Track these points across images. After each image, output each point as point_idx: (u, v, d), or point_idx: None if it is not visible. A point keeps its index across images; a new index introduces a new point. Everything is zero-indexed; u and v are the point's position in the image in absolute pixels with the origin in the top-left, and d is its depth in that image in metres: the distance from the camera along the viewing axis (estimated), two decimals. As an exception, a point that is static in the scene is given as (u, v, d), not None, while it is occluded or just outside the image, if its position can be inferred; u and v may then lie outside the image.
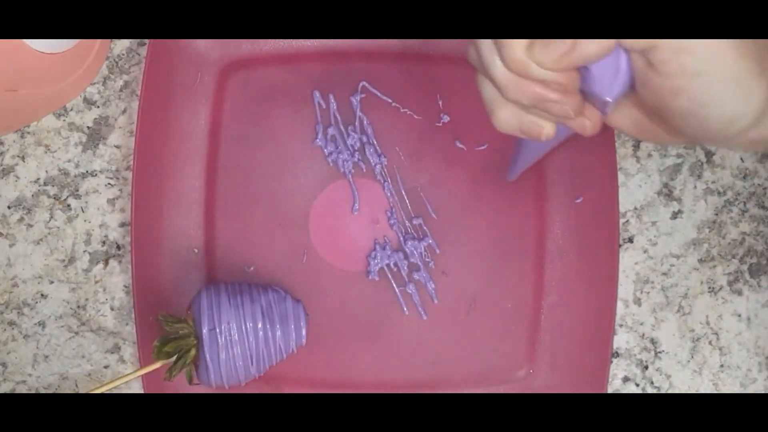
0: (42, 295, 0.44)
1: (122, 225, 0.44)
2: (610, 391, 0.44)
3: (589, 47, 0.26)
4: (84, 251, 0.44)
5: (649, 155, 0.44)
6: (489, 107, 0.29)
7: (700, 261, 0.44)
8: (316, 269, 0.43)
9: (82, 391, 0.44)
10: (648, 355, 0.44)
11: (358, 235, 0.43)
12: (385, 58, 0.44)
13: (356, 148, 0.43)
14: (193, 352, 0.38)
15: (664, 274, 0.44)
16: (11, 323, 0.44)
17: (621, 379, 0.44)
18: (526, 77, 0.27)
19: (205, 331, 0.37)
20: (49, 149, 0.44)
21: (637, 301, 0.44)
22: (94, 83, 0.44)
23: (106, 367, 0.44)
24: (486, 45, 0.27)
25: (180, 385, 0.40)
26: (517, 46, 0.26)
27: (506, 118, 0.29)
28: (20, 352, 0.44)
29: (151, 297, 0.42)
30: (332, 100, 0.43)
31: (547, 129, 0.29)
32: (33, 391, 0.44)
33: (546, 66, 0.26)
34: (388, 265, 0.43)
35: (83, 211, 0.44)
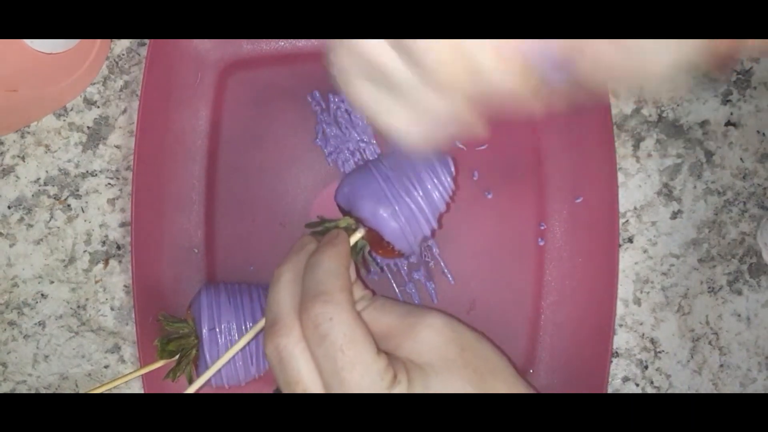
0: (42, 295, 0.44)
1: (122, 225, 0.44)
2: (609, 391, 0.44)
3: None
4: (84, 251, 0.44)
5: (649, 155, 0.44)
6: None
7: (700, 261, 0.44)
8: (316, 269, 0.43)
9: (82, 391, 0.44)
10: (648, 354, 0.44)
11: (358, 235, 0.43)
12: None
13: (356, 148, 0.43)
14: (194, 351, 0.38)
15: (664, 274, 0.44)
16: (11, 323, 0.44)
17: (621, 378, 0.44)
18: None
19: (205, 330, 0.37)
20: (49, 149, 0.44)
21: (637, 301, 0.44)
22: (94, 83, 0.44)
23: (106, 367, 0.44)
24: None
25: (180, 385, 0.40)
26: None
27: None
28: (20, 352, 0.44)
29: (151, 297, 0.42)
30: (332, 100, 0.43)
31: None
32: (33, 391, 0.44)
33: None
34: (388, 265, 0.43)
35: (83, 211, 0.44)
